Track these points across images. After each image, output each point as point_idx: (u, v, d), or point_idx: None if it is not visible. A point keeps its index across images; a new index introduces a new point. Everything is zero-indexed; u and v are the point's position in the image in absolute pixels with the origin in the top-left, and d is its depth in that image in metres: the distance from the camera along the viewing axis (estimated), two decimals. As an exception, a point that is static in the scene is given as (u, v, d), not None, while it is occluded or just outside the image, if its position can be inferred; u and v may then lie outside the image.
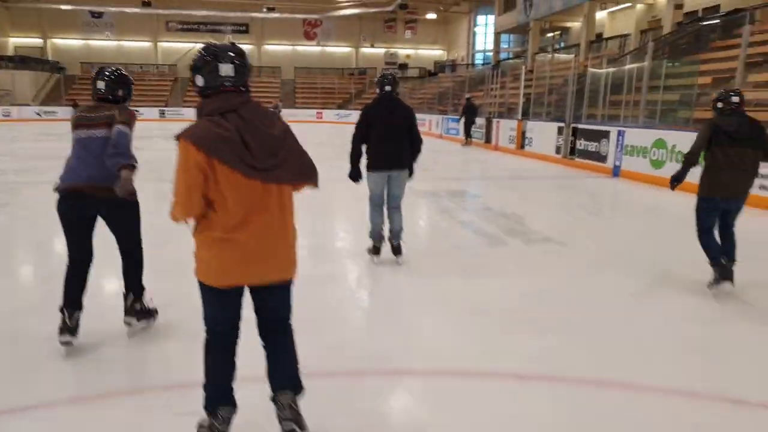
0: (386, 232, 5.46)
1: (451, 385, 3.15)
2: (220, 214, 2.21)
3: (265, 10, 41.52)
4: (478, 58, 42.45)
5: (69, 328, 3.31)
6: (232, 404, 2.46)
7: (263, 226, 2.25)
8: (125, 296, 3.59)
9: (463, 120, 20.35)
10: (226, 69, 2.22)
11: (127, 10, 41.15)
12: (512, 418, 2.80)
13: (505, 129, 18.16)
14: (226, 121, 2.17)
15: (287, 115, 39.30)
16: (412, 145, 5.10)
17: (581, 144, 13.76)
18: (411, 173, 5.22)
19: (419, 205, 8.85)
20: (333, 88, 42.80)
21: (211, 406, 2.42)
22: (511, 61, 29.47)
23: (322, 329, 3.75)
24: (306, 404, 2.53)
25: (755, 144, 4.40)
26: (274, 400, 2.49)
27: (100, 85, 3.43)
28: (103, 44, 45.18)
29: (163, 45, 46.05)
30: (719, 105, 4.48)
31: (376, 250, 5.42)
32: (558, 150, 14.71)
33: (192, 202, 2.19)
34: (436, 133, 25.92)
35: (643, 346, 3.67)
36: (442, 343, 3.69)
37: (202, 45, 2.39)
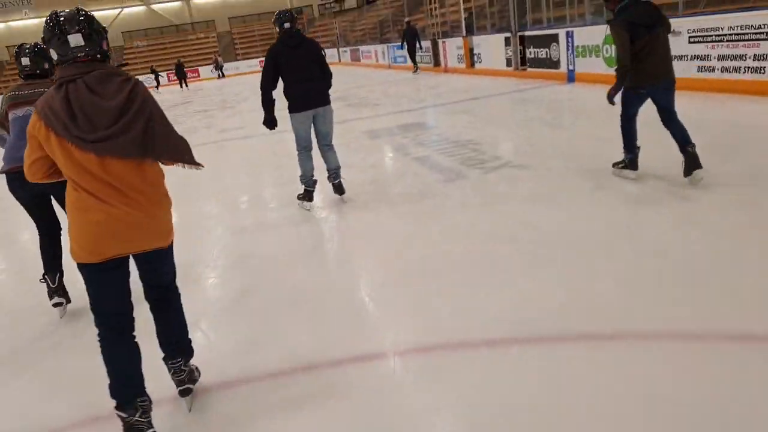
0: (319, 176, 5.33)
1: (422, 360, 2.70)
2: (72, 186, 2.17)
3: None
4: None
5: (55, 289, 3.55)
6: (145, 394, 2.31)
7: (110, 201, 2.14)
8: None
9: (406, 46, 19.40)
10: (75, 39, 2.11)
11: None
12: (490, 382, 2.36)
13: (452, 48, 17.33)
14: (59, 91, 2.09)
15: (230, 68, 37.62)
16: (325, 78, 4.94)
17: (531, 52, 13.09)
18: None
19: (371, 148, 8.24)
20: (271, 33, 40.73)
21: (123, 400, 2.24)
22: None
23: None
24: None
25: (664, 25, 4.46)
26: (165, 360, 2.51)
27: (25, 61, 3.46)
28: (25, 24, 42.08)
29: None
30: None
31: (308, 195, 5.25)
32: (509, 62, 14.03)
33: (33, 168, 2.20)
34: (384, 64, 24.89)
35: (637, 284, 3.24)
36: (400, 303, 3.23)
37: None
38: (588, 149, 6.32)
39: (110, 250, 2.18)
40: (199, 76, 37.60)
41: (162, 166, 2.30)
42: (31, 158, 2.17)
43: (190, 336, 2.59)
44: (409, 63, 19.57)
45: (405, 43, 19.24)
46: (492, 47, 14.76)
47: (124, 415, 2.21)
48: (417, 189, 5.68)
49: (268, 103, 4.90)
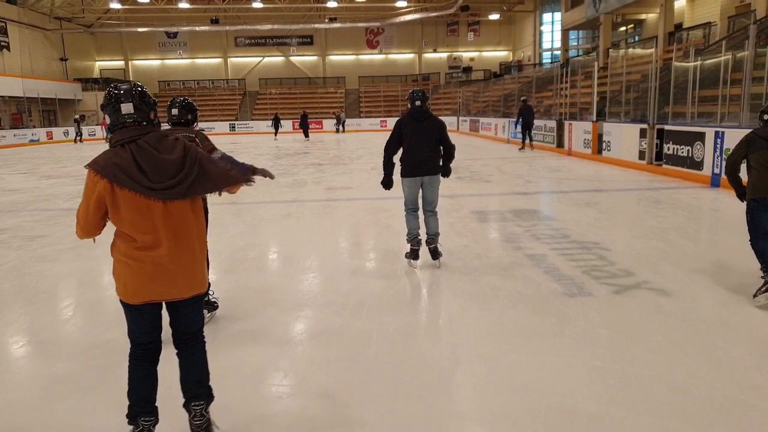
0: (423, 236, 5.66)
1: None
2: (124, 237, 2.42)
3: (327, 20, 40.84)
4: (546, 57, 40.06)
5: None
6: (153, 415, 2.59)
7: (166, 247, 2.41)
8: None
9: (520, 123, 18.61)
10: (126, 108, 2.41)
11: (198, 28, 41.53)
12: None
13: (579, 132, 16.22)
14: (124, 151, 2.37)
15: (352, 124, 38.56)
16: (445, 152, 5.38)
17: (669, 148, 11.73)
18: (447, 173, 5.50)
19: (478, 233, 7.32)
20: (396, 96, 41.53)
21: (133, 415, 2.56)
22: (581, 57, 27.08)
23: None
24: None
25: None
26: (186, 407, 2.65)
27: (174, 111, 4.08)
28: (177, 63, 46.02)
29: (233, 60, 46.37)
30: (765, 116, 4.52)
31: (414, 254, 5.60)
32: (641, 155, 12.71)
33: (90, 224, 2.42)
34: (502, 138, 24.09)
35: None
36: None
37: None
38: (740, 274, 5.01)
39: (152, 296, 2.47)
40: (322, 127, 38.78)
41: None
42: (93, 215, 2.39)
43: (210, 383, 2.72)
44: (526, 140, 18.65)
45: (519, 119, 18.47)
46: (624, 136, 13.52)
47: (131, 426, 2.57)
48: (527, 299, 4.66)
49: (388, 165, 5.42)
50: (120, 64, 45.77)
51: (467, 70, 43.20)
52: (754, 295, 4.35)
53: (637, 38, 32.56)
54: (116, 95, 2.39)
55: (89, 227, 2.41)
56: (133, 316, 2.51)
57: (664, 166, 11.83)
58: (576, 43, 36.91)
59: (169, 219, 2.39)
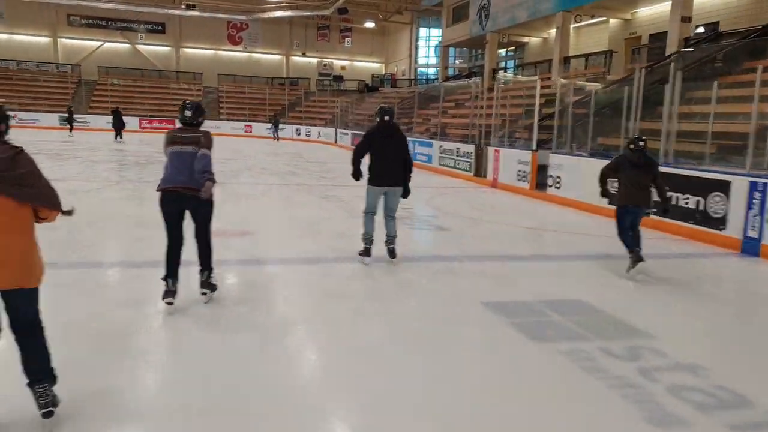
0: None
1: None
2: None
3: (184, 6, 34.62)
4: (421, 73, 37.77)
5: (170, 291, 4.17)
6: None
7: None
8: (201, 273, 4.39)
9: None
10: None
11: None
12: None
13: (510, 161, 13.14)
14: None
15: (209, 126, 32.39)
16: (405, 166, 5.65)
17: (674, 197, 8.85)
18: (406, 193, 5.75)
19: (518, 362, 3.46)
20: (263, 99, 36.45)
21: None
22: (473, 79, 24.71)
23: None
24: None
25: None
26: (30, 386, 2.63)
27: (188, 113, 4.20)
28: (-11, 37, 36.51)
29: (65, 42, 37.89)
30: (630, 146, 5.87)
31: (367, 252, 5.76)
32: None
33: None
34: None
35: None
36: None
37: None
38: None
39: None
40: (175, 126, 32.52)
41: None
42: None
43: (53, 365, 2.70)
44: (429, 163, 15.33)
45: None
46: (587, 173, 10.55)
47: None
48: None
49: (357, 163, 5.68)
50: None
51: (338, 79, 39.48)
52: (627, 270, 5.66)
53: (515, 62, 31.30)
54: None
55: None
56: None
57: (667, 219, 8.88)
58: (452, 61, 34.89)
59: None
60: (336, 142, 29.40)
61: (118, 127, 24.22)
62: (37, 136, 22.80)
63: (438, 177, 15.45)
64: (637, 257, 5.68)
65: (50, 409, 2.61)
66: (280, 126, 30.77)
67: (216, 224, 4.43)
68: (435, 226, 8.27)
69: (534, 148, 12.47)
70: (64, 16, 37.08)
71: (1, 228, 2.45)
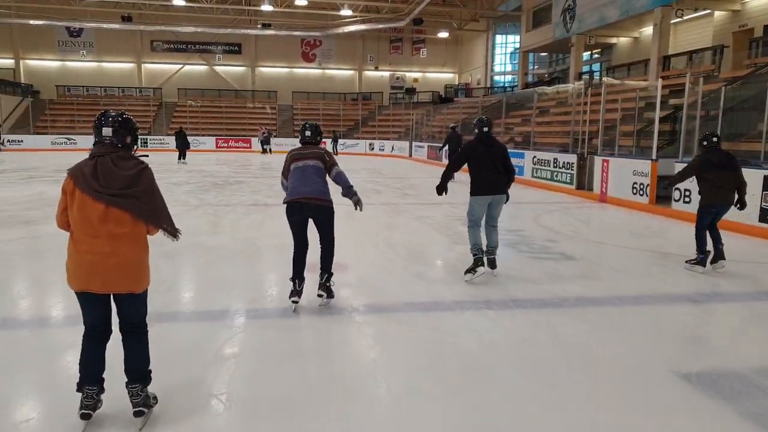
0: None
1: None
2: (73, 229, 2.67)
3: (260, 26, 34.81)
4: (495, 82, 36.16)
5: (296, 291, 4.49)
6: (98, 385, 2.77)
7: (95, 245, 2.62)
8: (321, 275, 4.61)
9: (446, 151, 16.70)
10: (106, 131, 2.71)
11: (106, 26, 34.22)
12: None
13: (622, 172, 11.49)
14: (92, 162, 2.66)
15: (284, 144, 32.54)
16: (507, 174, 5.58)
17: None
18: (507, 198, 5.66)
19: None
20: (336, 115, 36.01)
21: (79, 384, 2.77)
22: (576, 83, 22.82)
23: None
24: None
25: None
26: (126, 385, 2.80)
27: (308, 133, 4.68)
28: (81, 65, 38.25)
29: (148, 66, 39.12)
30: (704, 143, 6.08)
31: (478, 263, 5.47)
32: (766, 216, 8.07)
33: (60, 218, 2.73)
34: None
35: None
36: None
37: None
38: None
39: (90, 287, 2.67)
40: (250, 147, 32.60)
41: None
42: (62, 211, 2.70)
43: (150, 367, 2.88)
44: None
45: (445, 146, 16.85)
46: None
47: (78, 390, 2.77)
48: None
49: (448, 176, 5.69)
50: (9, 62, 37.26)
51: (411, 91, 38.50)
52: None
53: (601, 65, 29.16)
54: (100, 118, 2.74)
55: (60, 220, 2.72)
56: (80, 301, 2.74)
57: None
58: (530, 68, 33.12)
59: (106, 223, 2.61)
60: (411, 155, 28.29)
61: (182, 147, 23.33)
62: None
63: (534, 191, 13.93)
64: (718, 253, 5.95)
65: (140, 408, 2.78)
66: (340, 141, 30.15)
67: (311, 256, 4.56)
68: (559, 254, 6.85)
69: (654, 157, 10.78)
70: (148, 43, 38.33)
71: (121, 239, 2.67)
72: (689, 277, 5.90)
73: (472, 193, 5.54)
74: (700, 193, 6.07)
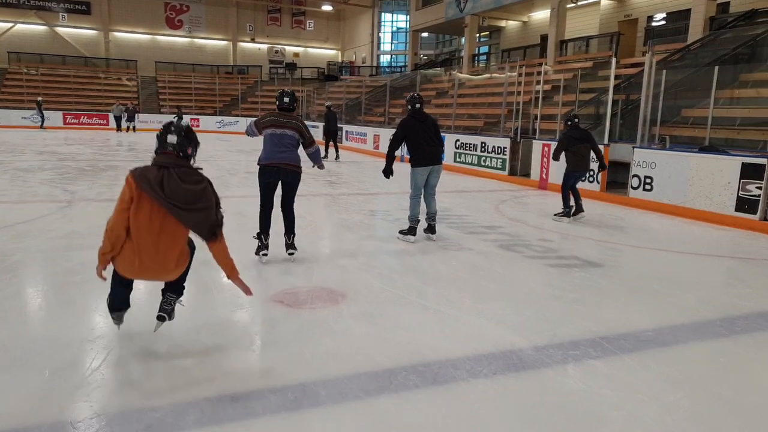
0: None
1: None
2: (132, 231, 2.87)
3: (113, -17, 30.10)
4: (384, 61, 35.01)
5: (265, 245, 5.06)
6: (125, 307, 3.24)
7: (153, 247, 2.87)
8: (288, 236, 5.15)
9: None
10: (171, 138, 2.93)
11: None
12: None
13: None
14: (158, 171, 2.87)
15: (151, 120, 28.55)
16: (441, 145, 6.19)
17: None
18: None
19: None
20: (211, 90, 32.47)
21: (110, 308, 3.22)
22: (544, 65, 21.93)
23: None
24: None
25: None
26: (162, 291, 3.26)
27: (286, 100, 5.06)
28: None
29: (-33, 24, 32.30)
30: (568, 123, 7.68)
31: (412, 231, 6.14)
32: (745, 207, 7.61)
33: (118, 216, 2.89)
34: (380, 153, 17.78)
35: None
36: None
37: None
38: None
39: (136, 278, 3.10)
40: (107, 123, 28.25)
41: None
42: (121, 206, 2.89)
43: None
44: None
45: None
46: (702, 172, 8.30)
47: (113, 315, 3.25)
48: None
49: (392, 158, 6.08)
50: None
51: (291, 66, 36.03)
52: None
53: (489, 48, 29.14)
54: (167, 126, 2.96)
55: (115, 216, 2.91)
56: (119, 278, 3.08)
57: None
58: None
59: (165, 228, 2.87)
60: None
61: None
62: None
63: (459, 177, 12.83)
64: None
65: (164, 314, 3.24)
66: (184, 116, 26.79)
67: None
68: (581, 261, 5.62)
69: (605, 141, 10.11)
70: (-32, -6, 31.59)
71: (178, 242, 2.96)
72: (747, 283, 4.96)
73: (414, 164, 6.06)
74: (567, 161, 7.61)
